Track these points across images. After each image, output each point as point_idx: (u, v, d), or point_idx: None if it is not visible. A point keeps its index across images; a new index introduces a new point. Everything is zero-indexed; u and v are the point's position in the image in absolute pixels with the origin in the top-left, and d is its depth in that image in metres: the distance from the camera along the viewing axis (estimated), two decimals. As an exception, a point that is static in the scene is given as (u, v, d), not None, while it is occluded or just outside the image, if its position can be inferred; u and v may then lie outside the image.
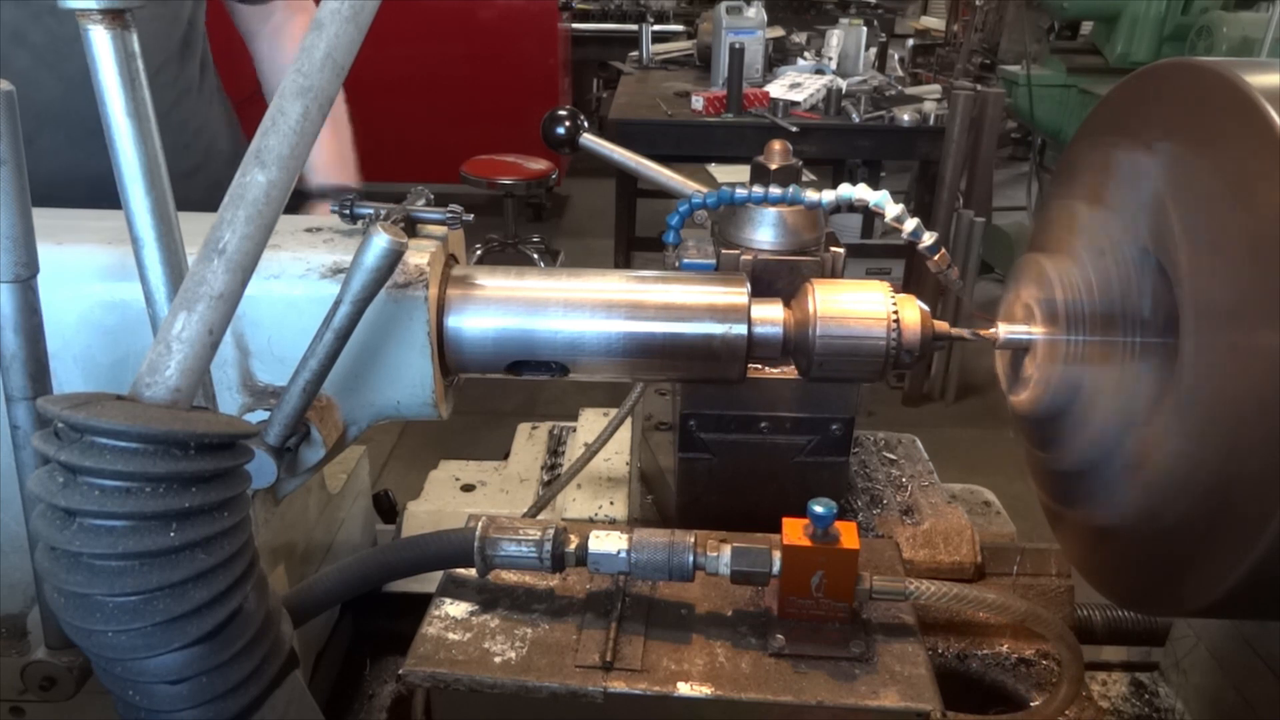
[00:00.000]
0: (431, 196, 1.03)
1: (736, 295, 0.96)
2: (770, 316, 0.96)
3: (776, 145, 1.12)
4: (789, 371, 1.05)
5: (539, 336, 0.95)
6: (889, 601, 0.90)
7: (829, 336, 0.93)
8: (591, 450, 1.18)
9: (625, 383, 1.11)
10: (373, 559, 0.94)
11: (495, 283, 0.98)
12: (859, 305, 0.94)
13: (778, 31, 5.45)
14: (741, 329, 0.94)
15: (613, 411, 1.22)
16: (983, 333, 0.99)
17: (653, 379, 1.01)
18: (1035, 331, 0.96)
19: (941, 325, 0.95)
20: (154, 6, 1.46)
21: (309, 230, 1.01)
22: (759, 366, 1.04)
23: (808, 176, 3.64)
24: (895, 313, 0.93)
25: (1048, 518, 1.02)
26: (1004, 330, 0.98)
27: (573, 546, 0.88)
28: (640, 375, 1.04)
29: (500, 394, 4.35)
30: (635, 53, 6.01)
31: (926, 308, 0.95)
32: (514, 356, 0.96)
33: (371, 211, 0.98)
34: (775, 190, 1.02)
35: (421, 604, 0.91)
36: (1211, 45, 4.58)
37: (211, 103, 1.66)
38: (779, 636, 0.86)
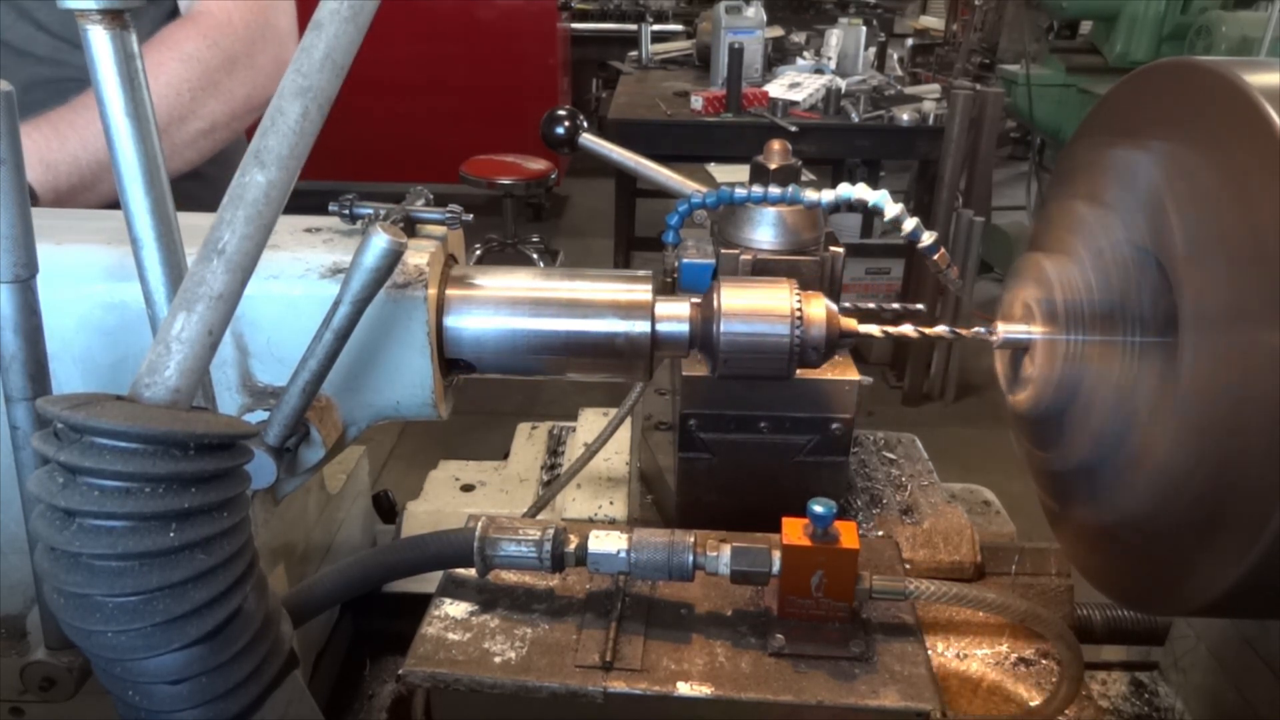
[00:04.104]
0: (431, 196, 1.03)
1: (640, 292, 0.95)
2: (675, 313, 0.95)
3: (776, 145, 1.12)
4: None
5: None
6: (889, 601, 0.90)
7: (733, 333, 0.93)
8: (591, 450, 1.18)
9: (623, 383, 1.10)
10: (373, 559, 0.94)
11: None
12: (763, 302, 0.94)
13: (777, 31, 5.47)
14: (645, 326, 0.94)
15: (612, 411, 1.22)
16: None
17: (558, 377, 1.00)
18: (1034, 331, 0.96)
19: (849, 323, 0.95)
20: None
21: (308, 230, 1.01)
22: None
23: (807, 176, 3.64)
24: (799, 309, 0.93)
25: (1048, 518, 1.02)
26: (1003, 330, 0.98)
27: (572, 546, 0.88)
28: (546, 373, 1.04)
29: (500, 394, 4.35)
30: (635, 52, 6.03)
31: (835, 306, 0.95)
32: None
33: (371, 211, 0.98)
34: (775, 190, 1.02)
35: (421, 604, 0.91)
36: (1211, 45, 4.59)
37: None
38: (779, 636, 0.86)
